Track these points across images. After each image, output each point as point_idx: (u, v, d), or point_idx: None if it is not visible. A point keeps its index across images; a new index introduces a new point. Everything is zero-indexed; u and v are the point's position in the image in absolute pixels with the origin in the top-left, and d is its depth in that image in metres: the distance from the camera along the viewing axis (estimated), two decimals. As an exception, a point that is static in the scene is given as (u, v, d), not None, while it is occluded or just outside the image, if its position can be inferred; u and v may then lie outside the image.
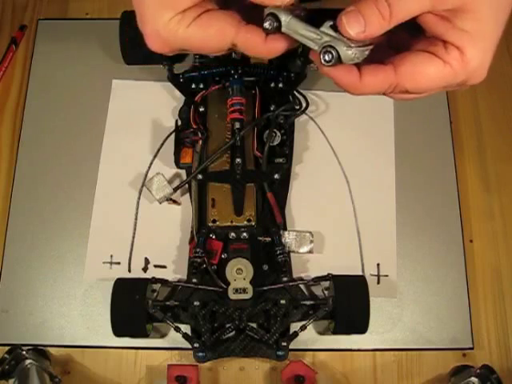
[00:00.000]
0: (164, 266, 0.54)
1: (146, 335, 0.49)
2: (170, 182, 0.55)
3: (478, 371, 0.47)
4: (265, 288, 0.50)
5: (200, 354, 0.48)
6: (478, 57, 0.32)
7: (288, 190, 0.56)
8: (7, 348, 0.48)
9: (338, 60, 0.31)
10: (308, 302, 0.50)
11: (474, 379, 0.47)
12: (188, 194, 0.56)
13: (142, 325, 0.49)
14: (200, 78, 0.57)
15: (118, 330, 0.49)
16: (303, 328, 0.49)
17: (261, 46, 0.33)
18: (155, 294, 0.52)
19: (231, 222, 0.52)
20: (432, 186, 0.58)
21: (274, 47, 0.33)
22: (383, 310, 0.53)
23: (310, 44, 0.32)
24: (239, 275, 0.48)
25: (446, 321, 0.53)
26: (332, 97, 0.61)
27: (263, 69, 0.57)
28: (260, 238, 0.52)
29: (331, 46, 0.31)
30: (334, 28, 0.31)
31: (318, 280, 0.52)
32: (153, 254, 0.55)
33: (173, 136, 0.57)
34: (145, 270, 0.54)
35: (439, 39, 0.32)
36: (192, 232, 0.53)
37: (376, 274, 0.54)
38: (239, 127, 0.53)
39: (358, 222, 0.56)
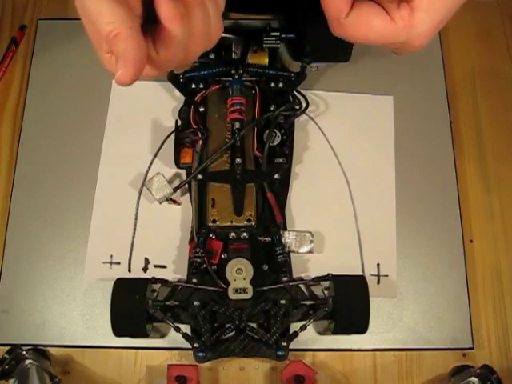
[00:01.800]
0: (164, 266, 0.54)
1: (146, 335, 0.49)
2: (170, 181, 0.55)
3: (478, 371, 0.47)
4: (265, 288, 0.50)
5: (200, 353, 0.48)
6: (425, 23, 0.33)
7: (288, 190, 0.56)
8: (7, 348, 0.48)
9: None
10: (308, 302, 0.50)
11: (473, 379, 0.47)
12: (188, 194, 0.56)
13: (142, 325, 0.49)
14: (200, 77, 0.57)
15: (118, 330, 0.49)
16: (303, 328, 0.49)
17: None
18: (155, 294, 0.52)
19: (231, 222, 0.52)
20: (432, 186, 0.58)
21: None
22: (383, 309, 0.53)
23: None
24: (239, 275, 0.48)
25: (446, 321, 0.53)
26: (332, 97, 0.61)
27: (263, 69, 0.57)
28: (260, 238, 0.52)
29: None
30: None
31: (318, 280, 0.52)
32: (153, 254, 0.55)
33: (173, 136, 0.57)
34: (145, 270, 0.54)
35: None
36: (192, 232, 0.53)
37: (376, 274, 0.54)
38: (239, 127, 0.53)
39: (358, 222, 0.56)
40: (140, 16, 0.31)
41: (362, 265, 0.54)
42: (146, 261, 0.54)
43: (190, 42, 0.32)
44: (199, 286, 0.50)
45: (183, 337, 0.49)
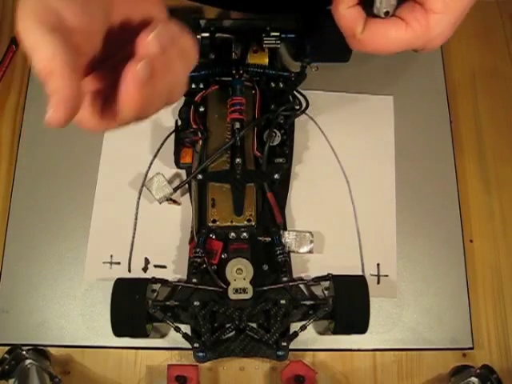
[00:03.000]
0: (164, 266, 0.54)
1: (146, 335, 0.49)
2: (170, 181, 0.55)
3: (478, 371, 0.47)
4: (265, 288, 0.50)
5: (200, 353, 0.48)
6: (442, 24, 0.33)
7: (288, 190, 0.56)
8: (7, 348, 0.48)
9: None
10: (308, 302, 0.50)
11: (473, 379, 0.47)
12: (188, 194, 0.56)
13: (142, 325, 0.49)
14: (200, 77, 0.57)
15: (118, 330, 0.49)
16: (303, 328, 0.49)
17: None
18: (155, 294, 0.52)
19: (231, 221, 0.52)
20: (432, 186, 0.58)
21: None
22: (383, 309, 0.53)
23: None
24: (239, 275, 0.48)
25: (446, 321, 0.53)
26: (332, 97, 0.61)
27: (263, 69, 0.57)
28: (260, 238, 0.52)
29: None
30: None
31: (318, 280, 0.52)
32: (153, 254, 0.55)
33: (173, 136, 0.57)
34: (145, 270, 0.54)
35: (416, 2, 0.33)
36: (192, 232, 0.53)
37: (376, 274, 0.54)
38: (239, 127, 0.53)
39: (358, 222, 0.56)
40: (87, 55, 0.30)
41: (362, 265, 0.54)
42: (146, 261, 0.54)
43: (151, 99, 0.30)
44: (199, 286, 0.50)
45: (183, 337, 0.49)
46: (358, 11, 0.35)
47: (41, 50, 0.27)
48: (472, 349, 0.52)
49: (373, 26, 0.35)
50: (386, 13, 0.35)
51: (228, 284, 0.48)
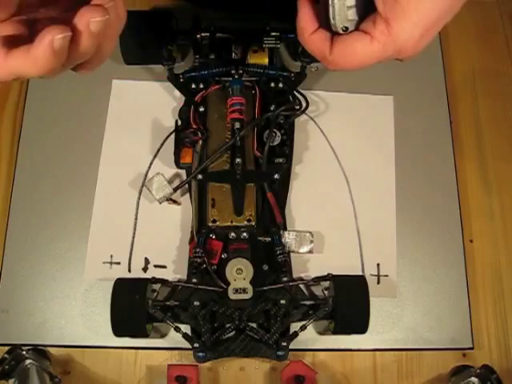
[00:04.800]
0: (164, 266, 0.54)
1: (146, 335, 0.49)
2: (170, 182, 0.55)
3: (478, 371, 0.47)
4: (265, 288, 0.50)
5: (200, 353, 0.48)
6: (406, 29, 0.33)
7: (288, 190, 0.56)
8: (7, 348, 0.48)
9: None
10: (308, 302, 0.50)
11: (473, 379, 0.47)
12: (188, 194, 0.56)
13: (142, 325, 0.49)
14: (200, 77, 0.57)
15: (118, 330, 0.49)
16: (303, 328, 0.49)
17: None
18: (155, 293, 0.52)
19: (231, 222, 0.52)
20: (432, 186, 0.58)
21: None
22: (383, 309, 0.53)
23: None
24: (239, 275, 0.48)
25: (446, 321, 0.53)
26: (332, 97, 0.61)
27: (263, 69, 0.57)
28: (260, 238, 0.52)
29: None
30: None
31: (318, 280, 0.52)
32: (153, 254, 0.55)
33: (173, 136, 0.57)
34: (145, 270, 0.54)
35: (377, 14, 0.33)
36: (192, 232, 0.53)
37: (376, 274, 0.54)
38: (239, 127, 0.53)
39: (358, 222, 0.56)
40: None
41: (362, 265, 0.54)
42: (146, 261, 0.54)
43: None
44: (199, 286, 0.50)
45: (183, 337, 0.49)
46: (321, 35, 0.36)
47: None
48: (472, 349, 0.52)
49: (339, 45, 0.35)
50: (345, 28, 0.35)
51: (228, 284, 0.48)
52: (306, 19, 0.36)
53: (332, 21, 0.34)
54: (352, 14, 0.34)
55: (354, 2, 0.34)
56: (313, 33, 0.36)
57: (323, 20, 0.36)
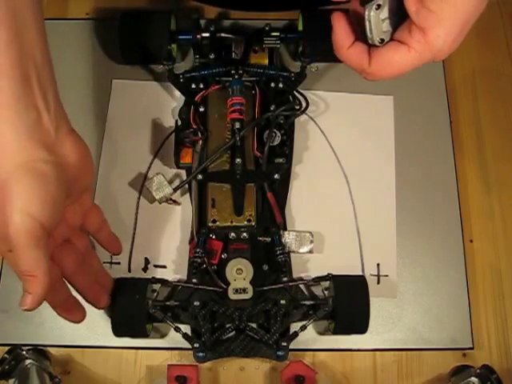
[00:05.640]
0: (164, 266, 0.54)
1: (145, 335, 0.50)
2: (170, 182, 0.55)
3: (478, 371, 0.47)
4: (265, 288, 0.50)
5: (200, 353, 0.48)
6: (441, 36, 0.34)
7: (288, 190, 0.56)
8: (7, 348, 0.48)
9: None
10: (308, 302, 0.50)
11: (473, 379, 0.47)
12: (188, 194, 0.56)
13: (142, 325, 0.49)
14: (200, 77, 0.57)
15: (118, 330, 0.49)
16: (303, 328, 0.49)
17: None
18: (155, 294, 0.52)
19: (231, 222, 0.52)
20: (432, 186, 0.58)
21: None
22: (383, 309, 0.53)
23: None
24: (239, 275, 0.48)
25: (446, 321, 0.53)
26: (332, 97, 0.61)
27: (263, 69, 0.57)
28: (260, 238, 0.52)
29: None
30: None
31: (318, 280, 0.52)
32: (153, 254, 0.55)
33: (173, 136, 0.57)
34: (145, 270, 0.54)
35: (411, 24, 0.34)
36: (192, 232, 0.53)
37: (376, 274, 0.54)
38: (239, 127, 0.53)
39: (358, 222, 0.56)
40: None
41: (362, 265, 0.54)
42: (146, 261, 0.54)
43: None
44: (199, 286, 0.50)
45: (183, 337, 0.49)
46: (358, 48, 0.36)
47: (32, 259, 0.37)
48: (472, 349, 0.52)
49: (377, 57, 0.36)
50: (381, 40, 0.36)
51: (228, 284, 0.48)
52: (342, 34, 0.36)
53: (369, 35, 0.35)
54: (386, 26, 0.35)
55: (387, 14, 0.35)
56: (349, 47, 0.36)
57: (358, 32, 0.36)
